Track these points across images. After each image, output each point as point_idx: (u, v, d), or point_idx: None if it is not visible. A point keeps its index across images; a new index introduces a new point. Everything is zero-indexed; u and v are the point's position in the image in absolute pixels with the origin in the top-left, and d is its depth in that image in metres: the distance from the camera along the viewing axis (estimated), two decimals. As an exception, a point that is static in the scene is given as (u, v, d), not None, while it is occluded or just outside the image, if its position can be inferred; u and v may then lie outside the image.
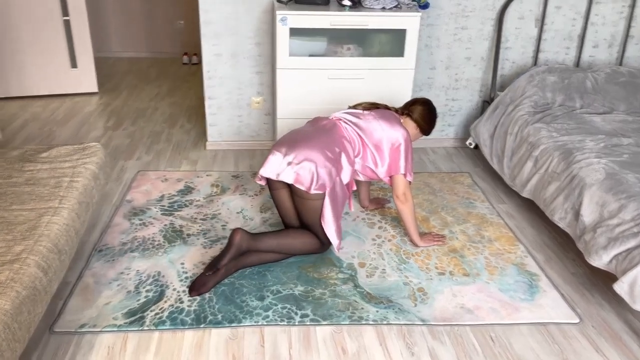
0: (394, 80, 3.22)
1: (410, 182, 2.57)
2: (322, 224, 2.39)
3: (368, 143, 2.51)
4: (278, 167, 2.35)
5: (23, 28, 4.43)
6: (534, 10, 3.57)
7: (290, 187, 2.39)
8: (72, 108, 4.45)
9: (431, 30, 3.56)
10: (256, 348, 2.00)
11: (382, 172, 2.55)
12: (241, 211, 2.92)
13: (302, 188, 2.30)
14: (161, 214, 2.86)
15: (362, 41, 3.18)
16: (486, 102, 3.68)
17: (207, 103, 3.61)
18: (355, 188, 2.63)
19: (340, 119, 2.56)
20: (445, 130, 3.87)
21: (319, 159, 2.32)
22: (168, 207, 2.94)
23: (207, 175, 3.32)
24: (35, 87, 4.63)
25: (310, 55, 3.14)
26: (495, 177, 3.39)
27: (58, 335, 2.03)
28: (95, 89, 4.80)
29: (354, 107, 2.66)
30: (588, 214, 2.34)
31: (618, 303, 2.29)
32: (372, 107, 2.64)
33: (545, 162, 2.76)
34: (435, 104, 3.71)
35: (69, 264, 2.01)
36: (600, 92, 3.26)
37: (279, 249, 2.41)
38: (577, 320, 2.19)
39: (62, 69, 4.64)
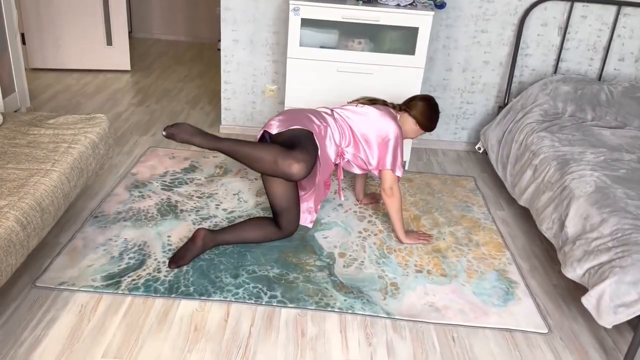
0: (403, 78, 3.23)
1: (399, 177, 2.58)
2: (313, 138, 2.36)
3: (358, 136, 2.54)
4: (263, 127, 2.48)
5: (63, 4, 4.65)
6: (558, 17, 3.50)
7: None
8: (103, 83, 4.65)
9: (450, 31, 3.54)
10: (219, 322, 2.07)
11: (373, 164, 2.57)
12: (238, 193, 3.00)
13: (276, 130, 2.38)
14: (161, 188, 2.98)
15: (373, 36, 3.19)
16: (501, 108, 3.62)
17: (222, 87, 3.71)
18: (342, 177, 2.67)
19: (333, 110, 2.60)
20: (458, 133, 3.84)
21: (299, 115, 2.44)
22: (169, 183, 3.05)
23: (213, 157, 3.42)
24: (71, 61, 4.86)
25: (321, 47, 3.18)
26: (499, 184, 3.34)
27: (39, 289, 2.16)
28: (128, 67, 4.99)
29: (352, 102, 2.69)
30: (572, 226, 2.30)
31: (593, 318, 2.24)
32: (370, 102, 2.66)
33: (543, 171, 2.72)
34: (449, 106, 3.74)
35: (53, 223, 2.13)
36: (615, 106, 3.16)
37: (241, 241, 2.49)
38: (545, 331, 2.16)
39: (98, 46, 4.85)
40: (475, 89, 3.70)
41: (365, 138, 2.55)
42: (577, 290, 2.42)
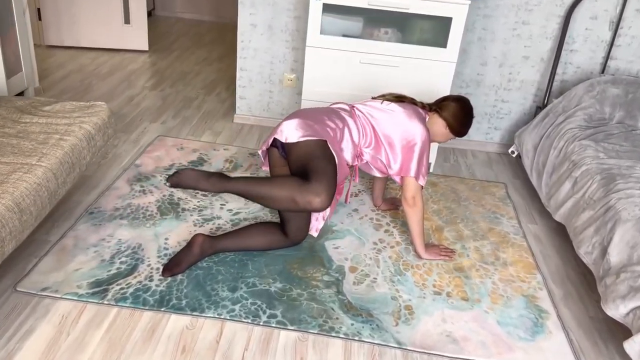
0: (432, 73, 2.94)
1: (422, 186, 2.32)
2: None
3: (381, 137, 2.28)
4: (274, 133, 2.19)
5: (81, -21, 4.47)
6: (610, 10, 3.15)
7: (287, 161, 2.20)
8: (118, 64, 4.46)
9: (487, 22, 3.22)
10: (210, 343, 1.87)
11: (395, 169, 2.31)
12: (246, 192, 2.78)
13: (292, 141, 2.09)
14: (164, 183, 2.78)
15: (401, 26, 2.90)
16: (540, 109, 3.31)
17: (238, 74, 3.47)
18: (357, 180, 2.42)
19: (355, 107, 2.34)
20: (490, 133, 3.54)
21: (313, 118, 2.17)
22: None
23: (224, 149, 3.20)
24: (87, 39, 4.68)
25: (344, 36, 2.91)
26: (533, 193, 3.05)
27: (19, 295, 1.98)
28: (145, 47, 4.80)
29: (377, 98, 2.42)
30: (616, 254, 2.01)
31: (635, 361, 1.96)
32: (396, 100, 2.39)
33: (584, 185, 2.42)
34: (482, 103, 3.43)
35: (35, 224, 1.94)
36: (671, 113, 2.82)
37: (243, 248, 2.27)
38: (578, 374, 1.90)
39: (115, 24, 4.66)
40: (512, 86, 3.39)
41: (389, 140, 2.29)
42: (617, 326, 2.13)
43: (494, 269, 2.39)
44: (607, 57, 3.23)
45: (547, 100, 3.26)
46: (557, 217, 2.57)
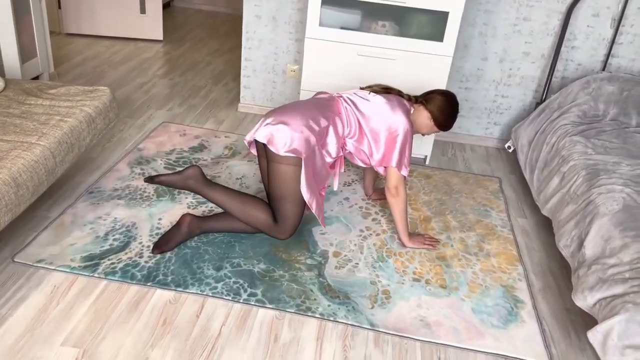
0: (429, 66, 2.98)
1: (405, 176, 2.38)
2: (301, 190, 2.21)
3: (365, 128, 2.34)
4: (257, 128, 2.26)
5: (99, -31, 4.61)
6: (612, 8, 3.14)
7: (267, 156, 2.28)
8: (132, 52, 4.59)
9: (488, 18, 3.25)
10: (190, 317, 1.96)
11: (376, 159, 2.37)
12: (241, 177, 2.87)
13: (273, 150, 2.16)
14: (164, 167, 2.88)
15: (399, 19, 2.95)
16: (539, 104, 3.32)
17: (242, 64, 3.56)
18: (342, 169, 2.49)
19: (342, 97, 2.40)
20: (490, 128, 3.56)
21: (297, 124, 2.18)
22: (173, 161, 2.95)
23: (225, 137, 3.30)
24: (104, 27, 4.83)
25: (342, 28, 2.97)
26: (526, 188, 3.07)
27: (16, 265, 2.11)
28: (160, 36, 4.92)
29: (365, 88, 2.48)
30: (591, 247, 2.04)
31: (605, 353, 1.99)
32: (383, 91, 2.45)
33: (571, 180, 2.45)
34: (482, 98, 3.46)
35: (32, 199, 2.06)
36: (665, 112, 2.82)
37: (227, 207, 2.29)
38: (546, 362, 1.94)
39: (131, 13, 4.79)
40: (512, 81, 3.41)
41: (372, 131, 2.35)
42: (592, 318, 2.16)
43: (476, 259, 2.43)
44: (609, 54, 3.22)
45: (546, 97, 3.27)
46: (545, 211, 2.60)
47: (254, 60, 3.54)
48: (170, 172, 2.27)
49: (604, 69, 3.27)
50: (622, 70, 3.25)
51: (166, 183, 2.26)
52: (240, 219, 2.29)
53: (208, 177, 2.48)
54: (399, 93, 2.47)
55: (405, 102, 2.44)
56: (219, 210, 2.56)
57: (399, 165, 2.33)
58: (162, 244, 2.25)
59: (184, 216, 2.29)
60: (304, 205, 2.26)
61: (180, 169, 2.58)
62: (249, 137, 2.33)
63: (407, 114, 2.38)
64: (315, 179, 2.25)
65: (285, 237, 2.28)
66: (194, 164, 2.27)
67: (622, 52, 3.24)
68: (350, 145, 2.37)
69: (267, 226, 2.26)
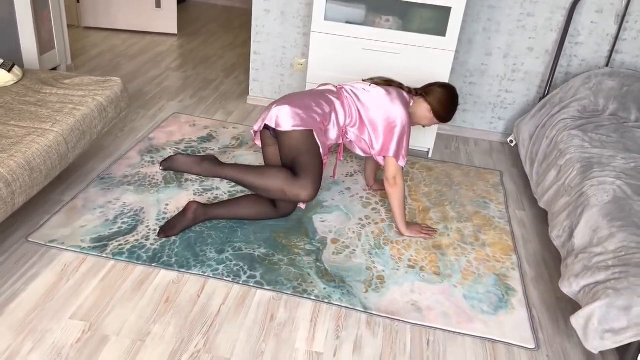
0: (432, 61, 3.04)
1: (402, 167, 2.45)
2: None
3: (365, 118, 2.42)
4: (264, 115, 2.36)
5: (116, -36, 4.74)
6: (616, 4, 3.17)
7: (277, 141, 2.37)
8: (147, 46, 4.72)
9: (492, 13, 3.29)
10: (191, 296, 2.07)
11: (376, 149, 2.45)
12: (247, 167, 2.97)
13: (282, 129, 2.26)
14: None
15: (402, 14, 3.02)
16: (542, 100, 3.36)
17: (252, 58, 3.66)
18: (342, 159, 2.57)
19: (343, 88, 2.49)
20: (494, 123, 3.61)
21: (301, 103, 2.30)
22: (182, 150, 3.06)
23: (233, 128, 3.40)
24: (121, 21, 4.96)
25: (347, 22, 3.05)
26: (526, 182, 3.12)
27: (30, 245, 2.23)
28: (174, 30, 5.04)
29: (366, 80, 2.56)
30: (580, 237, 2.10)
31: (592, 340, 2.05)
32: (384, 83, 2.52)
33: (566, 173, 2.50)
34: (486, 93, 3.51)
35: (45, 182, 2.18)
36: (665, 107, 2.84)
37: (234, 217, 2.43)
38: (532, 346, 2.00)
39: (147, 8, 4.92)
40: (516, 77, 3.45)
41: (372, 121, 2.43)
42: (580, 306, 2.22)
43: (471, 249, 2.50)
44: (612, 50, 3.25)
45: (548, 92, 3.31)
46: (542, 203, 2.65)
47: (262, 54, 3.63)
48: (175, 220, 2.36)
49: (607, 65, 3.29)
50: (626, 67, 3.28)
51: (182, 230, 2.35)
52: (258, 185, 2.22)
53: (203, 202, 2.55)
54: (400, 85, 2.54)
55: (405, 94, 2.51)
56: (224, 197, 2.66)
57: (397, 156, 2.40)
58: (167, 229, 2.36)
59: (190, 203, 2.39)
60: (321, 159, 2.28)
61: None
62: (256, 127, 2.42)
63: (406, 105, 2.45)
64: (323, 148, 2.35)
65: (307, 193, 2.19)
66: (189, 201, 2.40)
67: (626, 48, 3.26)
68: (351, 134, 2.45)
69: (288, 182, 2.19)
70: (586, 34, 3.27)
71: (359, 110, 2.43)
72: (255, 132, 2.48)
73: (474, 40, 3.38)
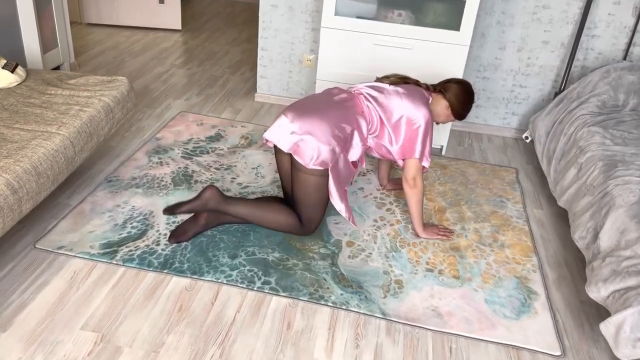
0: (445, 56, 2.96)
1: (425, 167, 2.37)
2: (331, 201, 2.26)
3: (386, 123, 2.32)
4: (281, 133, 2.22)
5: (119, -41, 4.65)
6: (634, -5, 3.08)
7: (291, 155, 2.30)
8: (151, 42, 4.64)
9: (506, 6, 3.21)
10: (205, 304, 2.00)
11: (397, 152, 2.36)
12: (257, 167, 2.90)
13: (300, 162, 2.17)
14: (181, 156, 2.92)
15: (415, 8, 2.93)
16: (557, 94, 3.28)
17: (259, 54, 3.58)
18: (364, 165, 2.47)
19: (361, 94, 2.37)
20: (507, 118, 3.53)
21: (323, 135, 2.15)
22: (190, 151, 2.99)
23: (241, 126, 3.32)
24: (124, 17, 4.88)
25: (358, 17, 2.97)
26: (543, 179, 3.05)
27: (38, 251, 2.17)
28: (178, 26, 4.96)
29: (382, 79, 2.48)
30: (606, 239, 2.03)
31: (619, 345, 1.99)
32: (401, 81, 2.44)
33: (588, 171, 2.42)
34: (500, 88, 3.43)
35: (52, 187, 2.12)
36: (687, 102, 2.76)
37: (251, 219, 2.32)
38: (558, 353, 1.93)
39: (150, 3, 4.83)
40: (530, 71, 3.37)
41: (394, 124, 2.32)
42: (606, 310, 2.15)
43: (490, 250, 2.43)
44: (630, 43, 3.16)
45: (565, 86, 3.23)
46: (561, 202, 2.58)
47: (270, 50, 3.55)
48: (187, 200, 2.25)
49: (625, 58, 3.21)
50: (644, 60, 3.19)
51: (187, 211, 2.25)
52: (266, 227, 2.33)
53: (224, 193, 2.47)
54: (417, 83, 2.46)
55: (424, 91, 2.43)
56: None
57: (421, 157, 2.32)
58: (179, 234, 2.29)
59: (205, 189, 2.26)
60: (327, 206, 2.32)
61: (197, 192, 2.36)
62: (270, 138, 2.26)
63: (427, 104, 2.37)
64: (340, 183, 2.26)
65: (309, 234, 2.37)
66: (209, 184, 2.28)
67: (644, 41, 3.18)
68: (370, 141, 2.37)
69: (294, 228, 2.32)
70: (603, 27, 3.18)
71: (380, 116, 2.32)
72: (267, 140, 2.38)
73: (488, 34, 3.29)
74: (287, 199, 2.43)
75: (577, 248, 2.49)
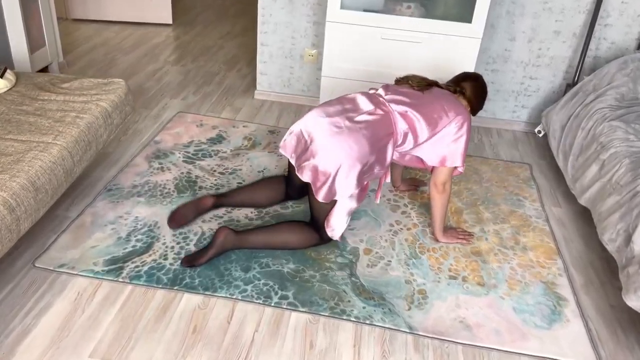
0: (457, 49, 2.84)
1: (461, 172, 2.25)
2: (326, 226, 2.16)
3: (423, 136, 2.12)
4: (300, 154, 2.06)
5: (105, -49, 4.45)
6: (649, -18, 2.97)
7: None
8: (142, 37, 4.46)
9: (516, -5, 3.09)
10: (221, 323, 1.88)
11: (433, 160, 2.19)
12: (263, 170, 2.77)
13: (316, 196, 2.03)
14: (182, 160, 2.78)
15: (425, 0, 2.80)
16: (570, 86, 3.18)
17: (258, 50, 3.43)
18: (388, 179, 2.29)
19: (393, 111, 2.10)
20: (517, 111, 3.43)
21: (348, 174, 1.99)
22: (192, 154, 2.84)
23: (243, 126, 3.18)
24: (112, 12, 4.68)
25: (365, 10, 2.83)
26: (559, 175, 2.95)
27: (38, 270, 2.03)
28: (169, 20, 4.78)
29: (402, 81, 2.27)
30: (640, 243, 1.93)
31: (656, 353, 1.90)
32: (425, 84, 2.23)
33: (612, 169, 2.32)
34: (509, 80, 3.32)
35: (51, 202, 1.97)
36: None
37: (272, 246, 2.19)
38: (595, 365, 1.85)
39: (139, -3, 4.65)
40: (541, 62, 3.26)
41: (432, 135, 2.13)
42: (639, 315, 2.06)
43: (512, 254, 2.33)
44: (644, 32, 3.07)
45: (578, 78, 3.13)
46: (582, 201, 2.48)
47: (270, 45, 3.40)
48: (203, 249, 2.13)
49: (639, 48, 3.11)
50: (658, 49, 3.10)
51: (208, 261, 2.11)
52: (290, 249, 2.22)
53: (235, 228, 2.28)
54: (437, 84, 2.30)
55: (453, 96, 2.28)
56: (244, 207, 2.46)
57: (462, 164, 2.21)
58: (193, 259, 2.09)
59: (220, 229, 2.12)
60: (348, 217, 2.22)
61: (209, 238, 2.22)
62: (287, 154, 2.14)
63: (462, 108, 2.20)
64: (352, 205, 2.15)
65: (329, 242, 2.26)
66: (220, 226, 2.16)
67: (658, 29, 3.08)
68: (395, 154, 2.20)
69: (315, 241, 2.22)
70: (616, 15, 3.08)
71: (415, 131, 2.11)
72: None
73: (497, 25, 3.17)
74: (289, 191, 2.40)
75: (601, 249, 2.40)
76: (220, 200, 2.38)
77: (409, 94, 2.17)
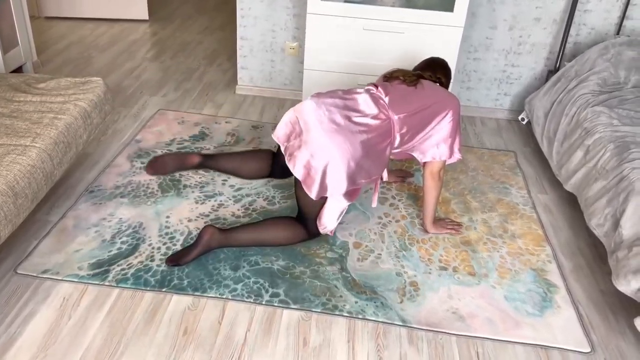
0: (439, 39, 2.82)
1: (460, 158, 2.23)
2: (318, 224, 2.15)
3: (423, 139, 2.15)
4: (292, 149, 2.03)
5: (77, -53, 4.34)
6: (627, -33, 2.99)
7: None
8: (118, 34, 4.37)
9: (496, -17, 3.08)
10: (212, 324, 1.85)
11: (430, 154, 2.18)
12: (248, 166, 2.73)
13: (307, 192, 2.00)
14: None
15: (406, -10, 2.78)
16: (551, 73, 3.19)
17: (238, 44, 3.38)
18: (385, 179, 2.26)
19: (395, 115, 2.05)
20: (500, 99, 3.43)
21: (337, 171, 1.95)
22: (175, 152, 2.79)
23: (226, 122, 3.13)
24: (85, 9, 4.58)
25: (346, 1, 2.80)
26: (544, 161, 2.96)
27: (20, 277, 1.97)
28: (145, 16, 4.69)
29: (389, 77, 2.24)
30: (629, 227, 1.94)
31: (646, 336, 1.92)
32: (416, 80, 2.19)
33: (597, 154, 2.33)
34: (491, 68, 3.33)
35: (32, 207, 1.91)
36: (689, 76, 2.70)
37: (259, 244, 2.16)
38: (587, 350, 1.85)
39: (114, -8, 4.54)
40: (522, 49, 3.26)
41: (425, 135, 2.14)
42: (630, 300, 2.07)
43: (502, 242, 2.33)
44: (623, 17, 3.08)
45: (560, 64, 3.14)
46: (568, 187, 2.50)
47: (250, 39, 3.35)
48: (188, 247, 2.08)
49: (618, 33, 3.13)
50: (638, 33, 3.12)
51: (194, 259, 2.07)
52: (277, 245, 2.18)
53: (220, 226, 2.26)
54: (422, 76, 2.27)
55: (439, 87, 2.26)
56: (229, 203, 2.42)
57: (459, 152, 2.20)
58: (178, 257, 2.05)
59: (206, 228, 2.08)
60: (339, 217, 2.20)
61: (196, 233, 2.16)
62: (277, 138, 2.11)
63: (450, 97, 2.19)
64: (344, 203, 2.13)
65: (318, 236, 2.24)
66: (205, 224, 2.14)
67: (637, 14, 3.09)
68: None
69: (303, 236, 2.19)
70: (595, 1, 3.09)
71: (410, 132, 2.10)
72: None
73: (478, 13, 3.17)
74: (301, 217, 2.21)
75: (589, 234, 2.41)
76: (207, 161, 2.30)
77: (405, 94, 2.14)
